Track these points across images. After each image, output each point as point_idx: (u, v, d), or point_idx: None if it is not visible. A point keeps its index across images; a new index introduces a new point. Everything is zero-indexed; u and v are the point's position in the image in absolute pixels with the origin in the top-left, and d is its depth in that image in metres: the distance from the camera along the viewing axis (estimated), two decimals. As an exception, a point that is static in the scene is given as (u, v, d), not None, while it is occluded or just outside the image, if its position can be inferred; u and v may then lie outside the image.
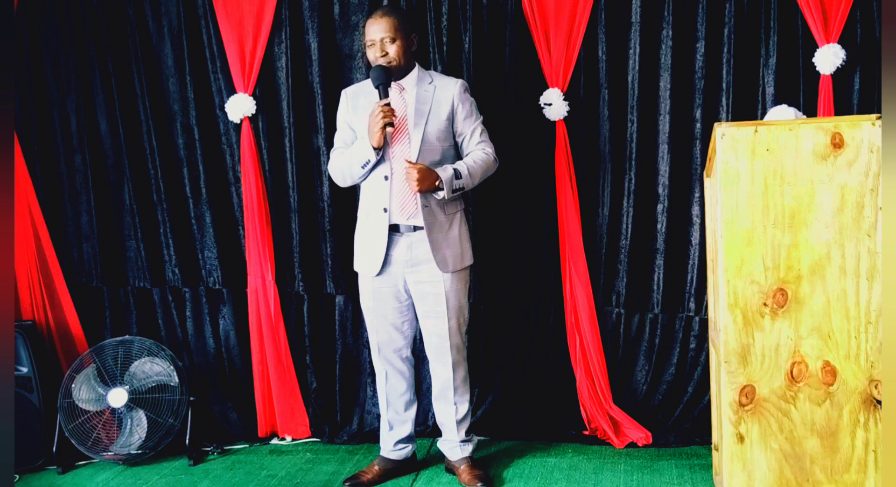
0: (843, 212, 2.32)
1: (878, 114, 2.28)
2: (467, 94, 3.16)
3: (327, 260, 3.80)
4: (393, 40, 3.06)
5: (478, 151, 3.14)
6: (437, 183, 3.02)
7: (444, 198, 3.05)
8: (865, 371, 2.34)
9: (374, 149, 3.02)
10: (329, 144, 3.57)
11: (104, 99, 3.87)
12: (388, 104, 3.00)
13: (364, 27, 3.14)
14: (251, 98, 3.71)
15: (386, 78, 3.03)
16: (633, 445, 3.51)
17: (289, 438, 3.83)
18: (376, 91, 3.11)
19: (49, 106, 3.91)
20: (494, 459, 3.45)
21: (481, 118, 3.19)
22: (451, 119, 3.13)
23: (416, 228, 3.10)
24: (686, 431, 3.55)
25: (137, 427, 3.56)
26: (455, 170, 3.06)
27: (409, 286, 3.16)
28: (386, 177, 3.09)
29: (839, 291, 2.33)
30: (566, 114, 3.57)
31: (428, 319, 3.18)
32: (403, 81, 3.13)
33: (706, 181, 2.98)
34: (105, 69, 3.83)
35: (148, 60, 3.82)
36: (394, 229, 3.11)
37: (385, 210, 3.09)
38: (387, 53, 3.06)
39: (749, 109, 3.48)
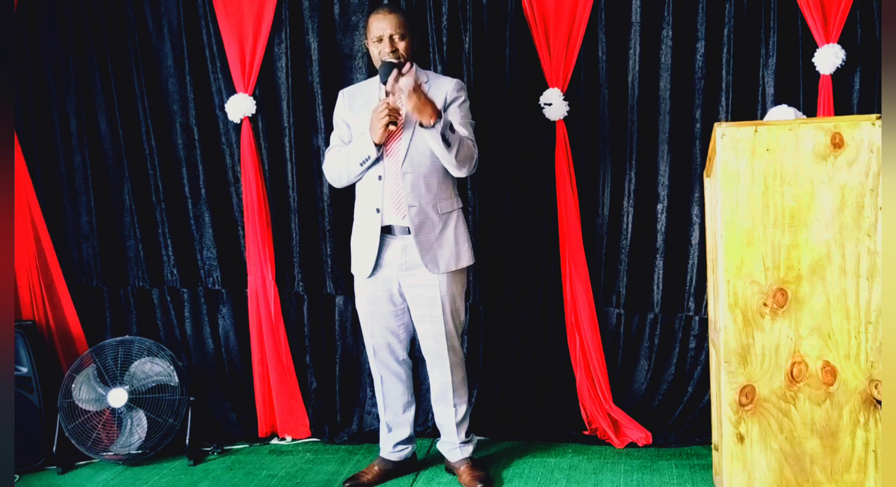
0: (843, 212, 2.32)
1: (878, 114, 2.28)
2: (462, 93, 3.13)
3: (327, 261, 3.80)
4: (402, 37, 3.05)
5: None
6: (433, 119, 2.89)
7: (434, 126, 2.89)
8: (865, 371, 2.34)
9: (376, 144, 3.01)
10: (328, 144, 3.57)
11: (104, 99, 3.87)
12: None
13: (368, 22, 3.11)
14: (251, 98, 3.71)
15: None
16: (633, 445, 3.51)
17: (289, 438, 3.83)
18: (374, 90, 3.11)
19: (49, 106, 3.91)
20: (494, 459, 3.45)
21: (473, 123, 3.16)
22: None
23: (410, 230, 3.08)
24: (686, 431, 3.55)
25: (137, 427, 3.56)
26: (451, 122, 2.97)
27: (404, 289, 3.15)
28: (380, 177, 3.07)
29: (839, 291, 2.33)
30: (566, 114, 3.57)
31: (423, 323, 3.17)
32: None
33: (706, 181, 2.98)
34: (105, 69, 3.84)
35: (147, 60, 3.82)
36: (387, 231, 3.09)
37: (378, 210, 3.08)
38: (396, 49, 3.04)
39: (749, 109, 3.48)
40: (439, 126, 2.90)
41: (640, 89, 3.54)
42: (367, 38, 3.12)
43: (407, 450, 3.36)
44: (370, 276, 3.13)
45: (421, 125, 2.94)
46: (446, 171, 3.11)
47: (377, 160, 3.06)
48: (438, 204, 3.09)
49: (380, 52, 3.06)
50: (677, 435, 3.53)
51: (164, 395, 3.56)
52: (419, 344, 3.30)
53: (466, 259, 3.16)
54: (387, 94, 2.99)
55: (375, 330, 3.22)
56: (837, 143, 2.31)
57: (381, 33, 3.04)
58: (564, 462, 3.40)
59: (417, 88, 2.86)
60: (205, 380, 3.93)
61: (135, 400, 3.54)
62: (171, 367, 3.59)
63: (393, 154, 3.07)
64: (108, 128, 3.90)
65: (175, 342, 3.94)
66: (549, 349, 3.76)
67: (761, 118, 3.37)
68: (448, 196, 3.13)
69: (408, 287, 3.13)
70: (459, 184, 3.25)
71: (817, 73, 3.33)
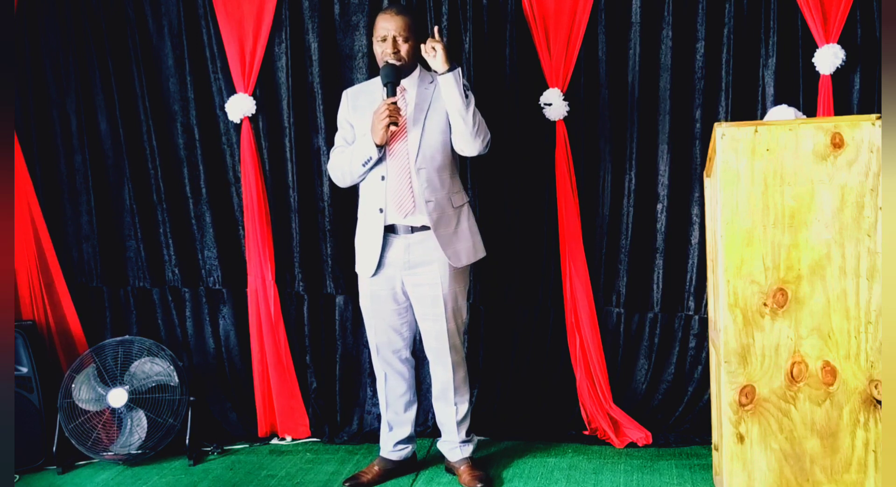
0: (843, 212, 2.32)
1: (878, 114, 2.28)
2: (468, 90, 3.14)
3: (327, 260, 3.80)
4: (406, 40, 3.06)
5: None
6: (449, 64, 2.97)
7: (452, 70, 2.96)
8: (865, 371, 2.34)
9: (377, 146, 3.02)
10: (329, 144, 3.57)
11: (104, 99, 3.87)
12: (395, 103, 2.99)
13: (375, 20, 3.11)
14: (251, 98, 3.71)
15: (395, 76, 3.02)
16: (633, 445, 3.51)
17: (289, 438, 3.83)
18: (377, 91, 3.11)
19: (49, 106, 3.91)
20: (494, 459, 3.45)
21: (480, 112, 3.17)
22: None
23: (413, 229, 3.09)
24: (686, 431, 3.55)
25: (137, 427, 3.56)
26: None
27: (407, 288, 3.16)
28: (383, 177, 3.08)
29: (839, 291, 2.33)
30: (566, 114, 3.57)
31: (426, 321, 3.18)
32: (404, 82, 3.12)
33: (706, 181, 2.98)
34: (105, 69, 3.84)
35: (148, 60, 3.82)
36: (390, 230, 3.10)
37: (381, 210, 3.09)
38: (398, 51, 3.05)
39: (749, 109, 3.48)
40: (456, 69, 2.96)
41: (640, 89, 3.54)
42: (372, 36, 3.13)
43: (407, 450, 3.36)
44: (374, 275, 3.14)
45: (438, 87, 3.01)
46: (455, 165, 3.15)
47: (379, 160, 3.06)
48: (452, 197, 3.12)
49: (382, 52, 3.06)
50: (677, 435, 3.53)
51: (164, 395, 3.56)
52: (421, 343, 3.31)
53: (481, 251, 3.22)
54: (391, 94, 2.99)
55: (379, 327, 3.23)
56: (837, 143, 2.31)
57: (386, 34, 3.05)
58: (564, 462, 3.41)
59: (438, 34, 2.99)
60: (205, 380, 3.93)
61: (135, 400, 3.54)
62: (171, 367, 3.59)
63: (395, 154, 3.08)
64: (109, 128, 3.90)
65: (176, 342, 3.94)
66: (549, 349, 3.76)
67: (761, 118, 3.37)
68: (459, 190, 3.16)
69: (411, 285, 3.14)
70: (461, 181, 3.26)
71: (817, 73, 3.33)
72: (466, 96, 3.00)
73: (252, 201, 3.75)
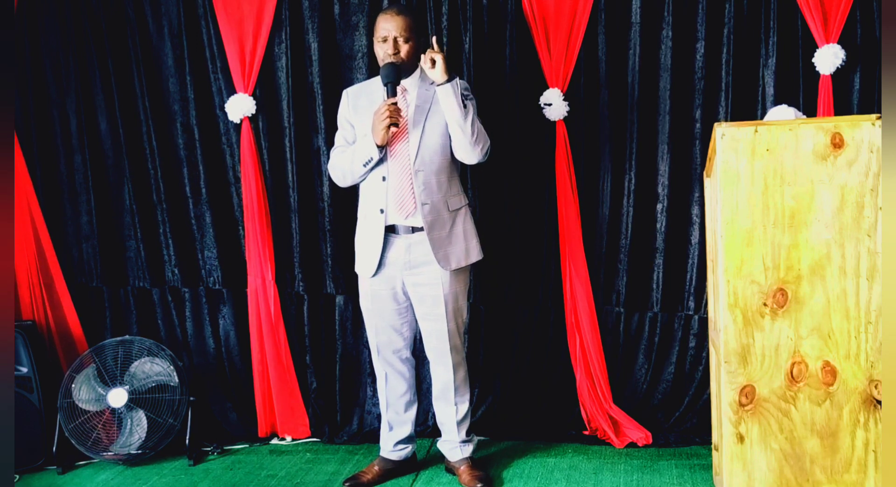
0: (843, 212, 2.32)
1: (878, 114, 2.28)
2: (468, 92, 3.13)
3: (327, 260, 3.80)
4: (407, 40, 3.05)
5: None
6: (448, 75, 2.97)
7: (451, 80, 2.97)
8: (865, 371, 2.34)
9: (378, 146, 3.02)
10: (329, 144, 3.58)
11: (104, 99, 3.87)
12: (396, 103, 2.99)
13: (376, 20, 3.10)
14: (251, 98, 3.71)
15: (396, 77, 3.02)
16: (633, 445, 3.51)
17: (289, 438, 3.83)
18: (377, 91, 3.11)
19: (49, 106, 3.91)
20: (494, 459, 3.45)
21: (479, 120, 3.17)
22: None
23: (414, 230, 3.09)
24: (686, 431, 3.55)
25: (137, 427, 3.56)
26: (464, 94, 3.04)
27: (408, 288, 3.16)
28: (384, 178, 3.08)
29: (839, 291, 2.33)
30: (566, 114, 3.57)
31: (427, 321, 3.18)
32: (405, 82, 3.12)
33: (706, 181, 2.98)
34: (105, 69, 3.84)
35: (148, 60, 3.82)
36: (391, 230, 3.11)
37: (382, 211, 3.09)
38: (398, 52, 3.05)
39: (749, 109, 3.48)
40: (455, 80, 2.96)
41: (640, 89, 3.54)
42: (372, 36, 3.13)
43: (407, 450, 3.36)
44: (374, 275, 3.14)
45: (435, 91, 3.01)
46: (454, 168, 3.14)
47: (380, 161, 3.06)
48: (449, 200, 3.11)
49: (383, 53, 3.06)
50: (677, 435, 3.53)
51: (164, 395, 3.56)
52: (421, 343, 3.31)
53: (475, 254, 3.18)
54: (391, 94, 2.99)
55: (379, 327, 3.23)
56: (837, 143, 2.32)
57: (387, 34, 3.05)
58: (564, 462, 3.41)
59: (438, 43, 2.99)
60: (205, 380, 3.93)
61: (135, 400, 3.54)
62: (171, 367, 3.59)
63: (396, 155, 3.08)
64: (109, 128, 3.90)
65: (176, 342, 3.94)
66: (549, 349, 3.76)
67: (761, 118, 3.37)
68: (457, 192, 3.15)
69: (411, 285, 3.14)
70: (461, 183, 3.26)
71: (817, 73, 3.33)
72: (465, 106, 3.00)
73: (252, 201, 3.75)
